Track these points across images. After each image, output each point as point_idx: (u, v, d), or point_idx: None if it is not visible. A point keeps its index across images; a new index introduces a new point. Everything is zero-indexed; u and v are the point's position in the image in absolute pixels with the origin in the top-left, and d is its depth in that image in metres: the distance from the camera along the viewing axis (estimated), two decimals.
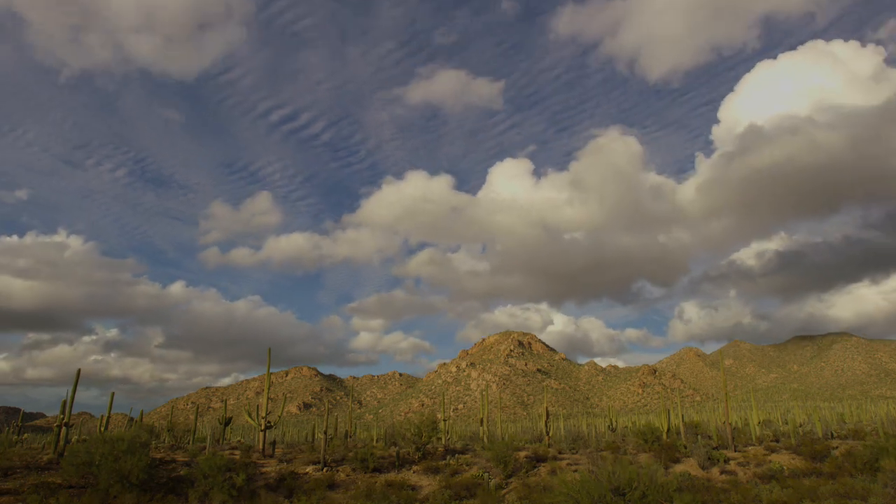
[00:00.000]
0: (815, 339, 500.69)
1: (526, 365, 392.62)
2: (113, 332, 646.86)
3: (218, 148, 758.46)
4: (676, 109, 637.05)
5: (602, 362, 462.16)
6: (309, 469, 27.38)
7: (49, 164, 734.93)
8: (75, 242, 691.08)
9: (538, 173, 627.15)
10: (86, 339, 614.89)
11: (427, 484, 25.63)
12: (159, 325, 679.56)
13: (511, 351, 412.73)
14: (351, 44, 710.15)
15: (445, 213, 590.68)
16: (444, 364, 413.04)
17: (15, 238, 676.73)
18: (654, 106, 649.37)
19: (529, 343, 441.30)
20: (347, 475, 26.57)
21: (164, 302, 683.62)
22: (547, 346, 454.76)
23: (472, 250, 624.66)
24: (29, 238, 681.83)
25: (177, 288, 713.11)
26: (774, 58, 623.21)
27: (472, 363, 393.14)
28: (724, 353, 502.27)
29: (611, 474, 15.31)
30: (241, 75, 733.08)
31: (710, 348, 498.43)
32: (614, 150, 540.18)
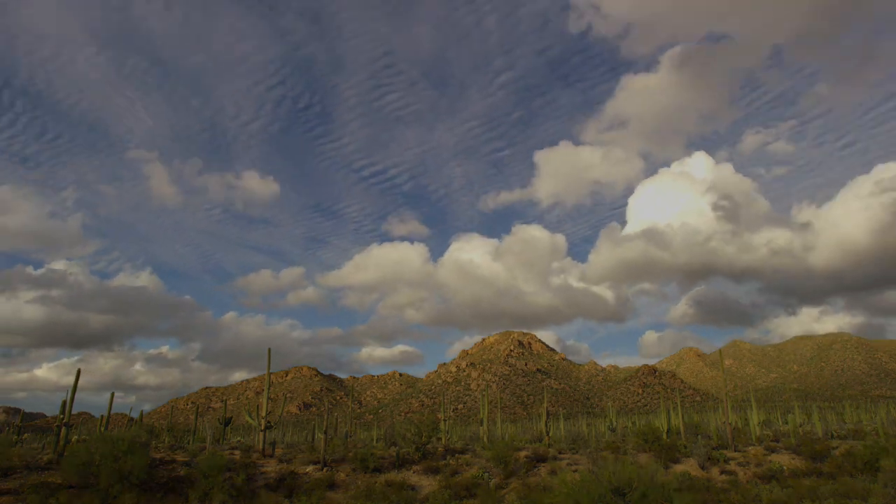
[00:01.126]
0: (815, 338, 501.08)
1: (526, 365, 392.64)
2: (156, 350, 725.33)
3: (308, 194, 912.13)
4: (576, 226, 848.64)
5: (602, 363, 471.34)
6: (309, 469, 27.38)
7: (158, 205, 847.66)
8: (156, 285, 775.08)
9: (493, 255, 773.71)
10: (130, 353, 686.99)
11: (427, 484, 25.64)
12: (200, 343, 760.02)
13: (511, 351, 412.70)
14: (441, 121, 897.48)
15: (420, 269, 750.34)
16: (444, 364, 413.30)
17: (107, 282, 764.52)
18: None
19: (529, 343, 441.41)
20: (347, 475, 26.57)
21: (214, 327, 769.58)
22: (547, 346, 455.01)
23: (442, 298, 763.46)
24: (119, 279, 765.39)
25: (229, 317, 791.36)
26: (656, 172, 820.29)
27: (472, 363, 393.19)
28: (724, 353, 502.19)
29: (611, 474, 15.30)
30: (346, 144, 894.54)
31: (706, 349, 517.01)
32: (537, 240, 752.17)
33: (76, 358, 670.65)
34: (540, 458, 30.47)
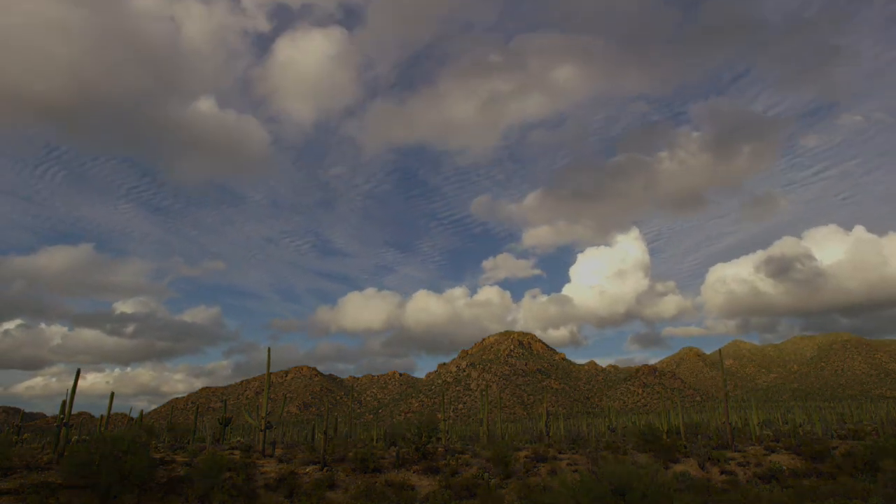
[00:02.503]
0: (815, 339, 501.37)
1: (526, 365, 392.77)
2: (197, 365, 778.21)
3: (388, 233, 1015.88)
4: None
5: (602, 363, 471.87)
6: (309, 469, 27.38)
7: (254, 244, 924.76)
8: (217, 320, 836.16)
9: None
10: (172, 367, 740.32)
11: (427, 484, 25.64)
12: (235, 360, 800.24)
13: (511, 351, 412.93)
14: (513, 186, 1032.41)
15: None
16: (445, 364, 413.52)
17: (175, 316, 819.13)
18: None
19: (529, 343, 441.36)
20: (347, 475, 26.57)
21: (254, 349, 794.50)
22: (547, 345, 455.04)
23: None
24: (188, 315, 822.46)
25: (270, 342, 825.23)
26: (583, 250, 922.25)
27: (472, 363, 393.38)
28: (724, 353, 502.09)
29: (611, 474, 15.31)
30: (435, 202, 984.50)
31: (707, 349, 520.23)
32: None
33: (128, 369, 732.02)
34: (540, 458, 30.48)
